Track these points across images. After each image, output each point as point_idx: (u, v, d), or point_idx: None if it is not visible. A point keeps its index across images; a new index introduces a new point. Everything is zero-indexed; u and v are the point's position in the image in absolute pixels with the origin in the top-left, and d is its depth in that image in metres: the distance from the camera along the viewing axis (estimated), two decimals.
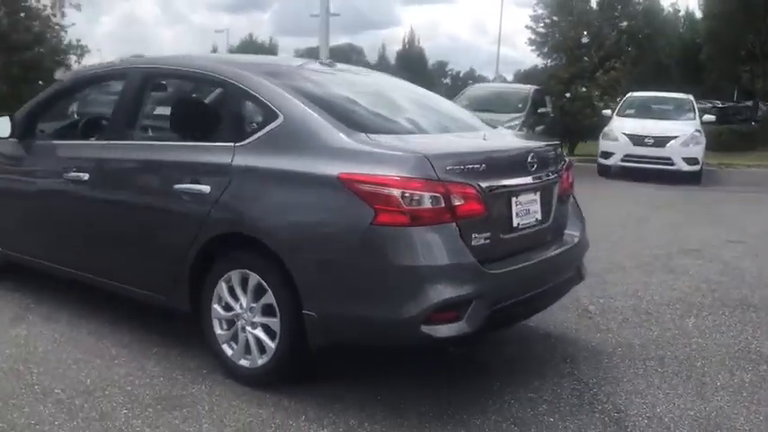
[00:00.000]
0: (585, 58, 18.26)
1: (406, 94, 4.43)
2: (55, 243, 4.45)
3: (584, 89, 17.37)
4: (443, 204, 3.09)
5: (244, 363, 3.53)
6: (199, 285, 3.66)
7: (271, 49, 51.26)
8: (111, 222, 4.06)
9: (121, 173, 4.04)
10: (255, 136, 3.51)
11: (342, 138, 3.28)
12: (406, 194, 3.03)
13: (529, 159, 3.55)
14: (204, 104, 3.96)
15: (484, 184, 3.25)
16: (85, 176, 4.13)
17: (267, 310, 3.41)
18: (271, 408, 3.33)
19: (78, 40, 21.00)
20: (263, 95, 3.56)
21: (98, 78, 4.64)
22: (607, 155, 13.68)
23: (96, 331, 4.24)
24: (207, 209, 3.50)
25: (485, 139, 3.85)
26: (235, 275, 3.51)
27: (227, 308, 3.57)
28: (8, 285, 4.98)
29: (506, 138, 4.35)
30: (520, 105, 14.15)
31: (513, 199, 3.48)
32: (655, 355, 4.15)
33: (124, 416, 3.21)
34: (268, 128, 3.48)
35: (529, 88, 15.84)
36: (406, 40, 47.28)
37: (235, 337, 3.57)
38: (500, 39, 70.99)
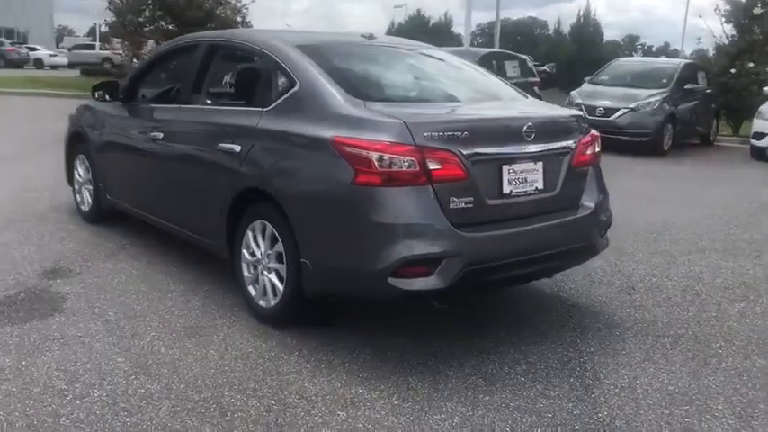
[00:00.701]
0: (757, 31, 16.80)
1: (433, 66, 4.65)
2: (142, 194, 5.18)
3: (751, 64, 16.05)
4: (418, 168, 3.32)
5: (261, 303, 3.99)
6: (233, 233, 4.15)
7: (446, 24, 51.37)
8: (176, 176, 4.69)
9: (183, 133, 4.63)
10: (277, 102, 3.93)
11: (343, 105, 3.60)
12: (384, 157, 3.31)
13: (525, 129, 3.65)
14: (243, 73, 4.42)
15: (465, 151, 3.43)
16: (160, 135, 4.78)
17: (279, 258, 3.84)
18: (273, 342, 3.77)
19: (243, 17, 22.76)
20: (287, 65, 3.96)
21: (179, 50, 5.27)
22: (761, 136, 12.68)
23: (165, 270, 4.90)
24: (237, 166, 3.98)
25: (497, 108, 3.99)
26: (257, 225, 3.97)
27: (252, 254, 4.04)
28: (115, 228, 5.82)
29: (521, 107, 4.35)
30: (664, 81, 13.46)
31: (506, 167, 3.62)
32: (674, 333, 4.11)
33: (151, 337, 3.79)
34: (287, 94, 3.88)
35: (678, 63, 14.98)
36: (581, 13, 45.43)
37: (257, 280, 4.03)
38: (687, 10, 65.75)
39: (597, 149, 4.19)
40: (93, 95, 5.51)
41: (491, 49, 17.74)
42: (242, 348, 3.70)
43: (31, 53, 44.12)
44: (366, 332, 3.93)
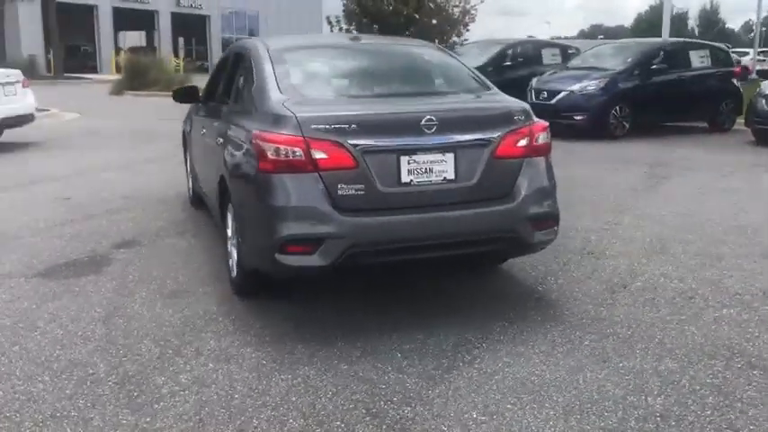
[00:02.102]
0: None
1: (390, 65, 4.89)
2: (203, 184, 6.09)
3: None
4: (304, 157, 3.74)
5: (232, 274, 4.65)
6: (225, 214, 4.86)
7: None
8: (206, 167, 5.50)
9: (209, 128, 5.41)
10: (243, 98, 4.55)
11: (272, 102, 4.12)
12: (278, 148, 3.79)
13: (423, 122, 3.86)
14: (238, 75, 5.05)
15: (353, 142, 3.76)
16: (205, 131, 5.65)
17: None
18: (248, 303, 4.41)
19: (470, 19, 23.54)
20: (255, 67, 4.57)
21: (226, 57, 6.09)
22: None
23: (207, 248, 5.74)
24: (220, 156, 4.67)
25: (404, 104, 4.24)
26: (228, 207, 4.63)
27: (229, 232, 4.71)
28: (201, 215, 6.82)
29: (438, 101, 4.46)
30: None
31: (404, 157, 3.87)
32: (611, 332, 4.00)
33: (139, 297, 4.63)
34: (248, 93, 4.49)
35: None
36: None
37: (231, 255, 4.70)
38: None
39: (540, 141, 4.19)
40: (174, 99, 6.53)
41: (676, 39, 16.56)
42: (209, 309, 4.35)
43: None
44: (318, 308, 4.38)
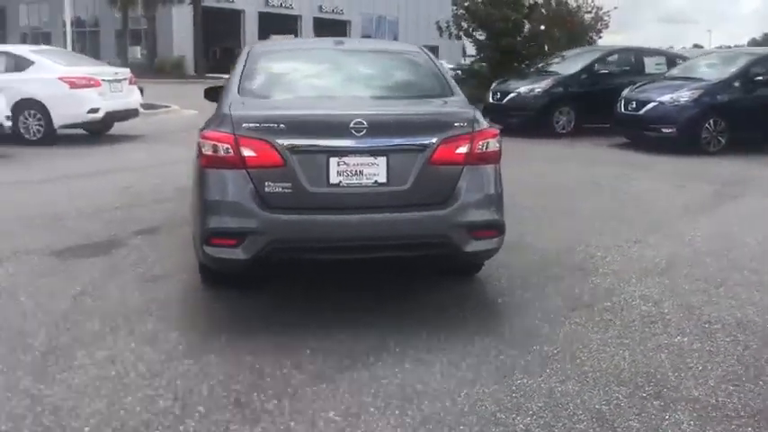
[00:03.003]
0: None
1: (357, 67, 4.92)
2: None
3: None
4: (233, 154, 3.92)
5: None
6: None
7: None
8: None
9: None
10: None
11: (227, 102, 4.33)
12: (213, 145, 3.99)
13: (352, 125, 3.91)
14: None
15: (281, 141, 3.89)
16: None
17: None
18: (208, 292, 4.68)
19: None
20: (233, 68, 4.80)
21: None
22: None
23: None
24: None
25: (347, 106, 4.25)
26: None
27: None
28: None
29: (382, 105, 4.46)
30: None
31: (334, 159, 3.94)
32: (536, 349, 3.89)
33: (127, 276, 5.01)
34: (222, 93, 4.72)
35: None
36: None
37: None
38: None
39: (484, 149, 4.12)
40: (205, 97, 6.89)
41: None
42: (162, 295, 4.65)
43: None
44: (270, 302, 4.58)
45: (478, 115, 4.22)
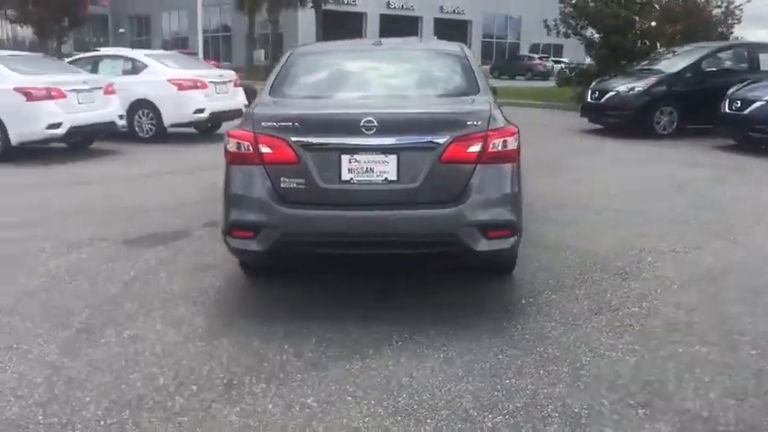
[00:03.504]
0: None
1: (388, 68, 4.99)
2: None
3: None
4: (252, 150, 4.15)
5: None
6: None
7: None
8: None
9: None
10: None
11: (258, 102, 4.59)
12: (237, 143, 4.24)
13: (363, 123, 4.02)
14: None
15: (295, 139, 4.07)
16: None
17: None
18: (247, 281, 4.98)
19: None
20: (273, 70, 5.05)
21: None
22: None
23: None
24: None
25: (360, 106, 4.33)
26: None
27: None
28: None
29: (400, 104, 4.47)
30: None
31: (345, 156, 4.08)
32: (539, 351, 3.87)
33: (153, 260, 5.40)
34: None
35: None
36: None
37: None
38: None
39: (498, 148, 4.12)
40: None
41: None
42: (205, 283, 4.97)
43: (555, 66, 48.27)
44: (300, 293, 4.79)
45: (496, 114, 4.21)
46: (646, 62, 14.74)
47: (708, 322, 4.21)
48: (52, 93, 10.37)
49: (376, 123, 4.02)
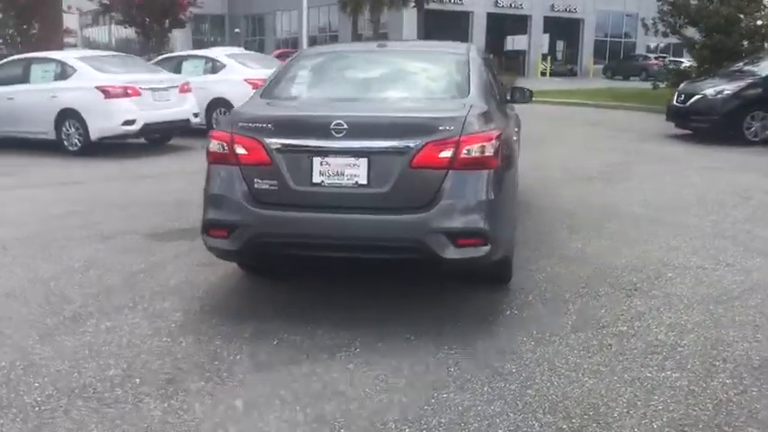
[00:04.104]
0: None
1: (379, 70, 4.92)
2: None
3: None
4: (228, 151, 4.22)
5: None
6: None
7: None
8: None
9: None
10: None
11: (243, 104, 4.68)
12: (216, 143, 4.32)
13: (332, 126, 3.99)
14: None
15: (268, 140, 4.10)
16: None
17: None
18: (248, 277, 5.09)
19: None
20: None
21: None
22: None
23: None
24: None
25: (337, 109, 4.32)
26: None
27: None
28: None
29: (357, 106, 4.44)
30: None
31: (317, 158, 4.07)
32: (497, 366, 3.74)
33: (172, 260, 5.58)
34: None
35: None
36: None
37: None
38: None
39: (471, 154, 3.98)
40: None
41: None
42: (213, 277, 5.11)
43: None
44: (308, 291, 4.86)
45: (473, 119, 4.06)
46: (741, 63, 13.79)
47: (695, 347, 3.90)
48: (128, 91, 10.93)
49: (345, 126, 3.98)
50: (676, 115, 13.00)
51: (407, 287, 4.84)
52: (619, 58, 49.16)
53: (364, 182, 4.01)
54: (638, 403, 3.27)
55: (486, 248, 4.02)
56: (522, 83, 30.13)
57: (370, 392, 3.39)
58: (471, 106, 4.23)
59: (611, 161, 10.60)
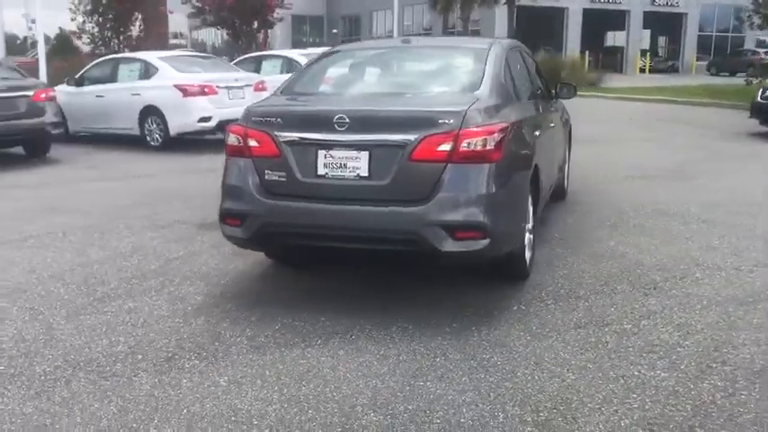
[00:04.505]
0: None
1: (396, 66, 5.00)
2: None
3: None
4: (242, 144, 4.43)
5: None
6: None
7: None
8: None
9: None
10: None
11: (270, 97, 4.89)
12: (233, 137, 4.54)
13: (335, 120, 4.12)
14: None
15: (277, 133, 4.28)
16: None
17: None
18: (268, 263, 5.33)
19: None
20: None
21: None
22: None
23: None
24: None
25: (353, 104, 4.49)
26: None
27: None
28: None
29: (356, 100, 4.63)
30: None
31: (322, 151, 4.21)
32: (484, 358, 3.79)
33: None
34: None
35: None
36: None
37: None
38: None
39: (471, 148, 4.01)
40: None
41: None
42: (230, 266, 5.37)
43: None
44: (321, 280, 5.03)
45: (474, 113, 4.09)
46: None
47: (696, 348, 3.79)
48: (205, 89, 11.45)
49: (348, 120, 4.10)
50: (760, 112, 12.36)
51: (420, 281, 4.90)
52: (725, 54, 46.79)
53: (365, 174, 4.11)
54: (614, 400, 3.23)
55: (485, 242, 4.04)
56: (617, 80, 29.35)
57: (351, 377, 3.49)
58: (477, 100, 4.25)
59: (682, 159, 10.24)
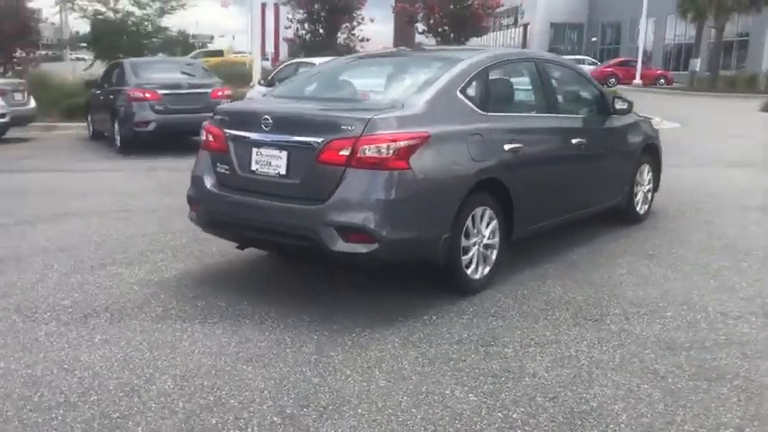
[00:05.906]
0: None
1: (362, 74, 5.24)
2: None
3: None
4: (206, 138, 4.96)
5: None
6: None
7: None
8: None
9: None
10: None
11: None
12: (204, 131, 5.05)
13: (261, 120, 4.45)
14: None
15: (225, 130, 4.74)
16: None
17: None
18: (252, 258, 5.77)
19: None
20: None
21: None
22: None
23: None
24: None
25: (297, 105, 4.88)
26: None
27: None
28: None
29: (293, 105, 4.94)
30: None
31: (255, 149, 4.57)
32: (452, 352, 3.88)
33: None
34: None
35: None
36: None
37: None
38: None
39: (366, 154, 4.11)
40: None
41: None
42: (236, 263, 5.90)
43: None
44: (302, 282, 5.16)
45: (380, 121, 4.17)
46: None
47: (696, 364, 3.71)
48: None
49: (271, 121, 4.45)
50: None
51: (373, 289, 4.89)
52: None
53: (284, 172, 4.43)
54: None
55: (374, 246, 4.11)
56: None
57: (298, 368, 3.63)
58: (397, 109, 4.35)
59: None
